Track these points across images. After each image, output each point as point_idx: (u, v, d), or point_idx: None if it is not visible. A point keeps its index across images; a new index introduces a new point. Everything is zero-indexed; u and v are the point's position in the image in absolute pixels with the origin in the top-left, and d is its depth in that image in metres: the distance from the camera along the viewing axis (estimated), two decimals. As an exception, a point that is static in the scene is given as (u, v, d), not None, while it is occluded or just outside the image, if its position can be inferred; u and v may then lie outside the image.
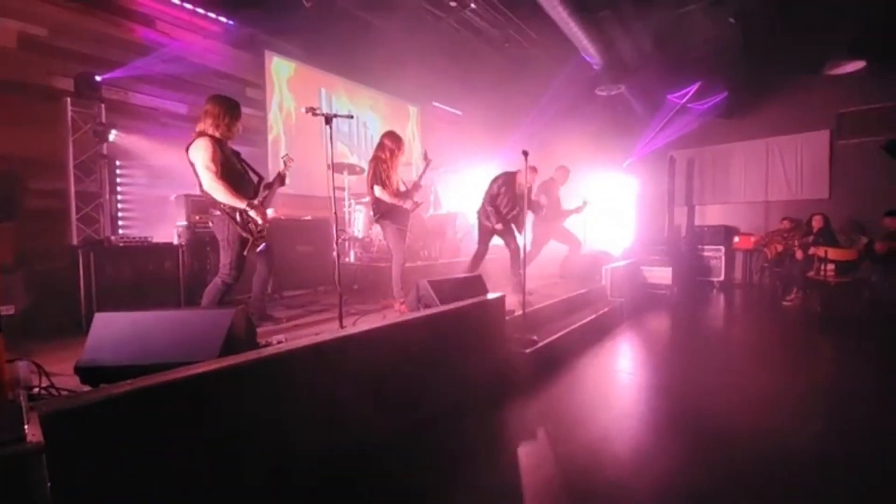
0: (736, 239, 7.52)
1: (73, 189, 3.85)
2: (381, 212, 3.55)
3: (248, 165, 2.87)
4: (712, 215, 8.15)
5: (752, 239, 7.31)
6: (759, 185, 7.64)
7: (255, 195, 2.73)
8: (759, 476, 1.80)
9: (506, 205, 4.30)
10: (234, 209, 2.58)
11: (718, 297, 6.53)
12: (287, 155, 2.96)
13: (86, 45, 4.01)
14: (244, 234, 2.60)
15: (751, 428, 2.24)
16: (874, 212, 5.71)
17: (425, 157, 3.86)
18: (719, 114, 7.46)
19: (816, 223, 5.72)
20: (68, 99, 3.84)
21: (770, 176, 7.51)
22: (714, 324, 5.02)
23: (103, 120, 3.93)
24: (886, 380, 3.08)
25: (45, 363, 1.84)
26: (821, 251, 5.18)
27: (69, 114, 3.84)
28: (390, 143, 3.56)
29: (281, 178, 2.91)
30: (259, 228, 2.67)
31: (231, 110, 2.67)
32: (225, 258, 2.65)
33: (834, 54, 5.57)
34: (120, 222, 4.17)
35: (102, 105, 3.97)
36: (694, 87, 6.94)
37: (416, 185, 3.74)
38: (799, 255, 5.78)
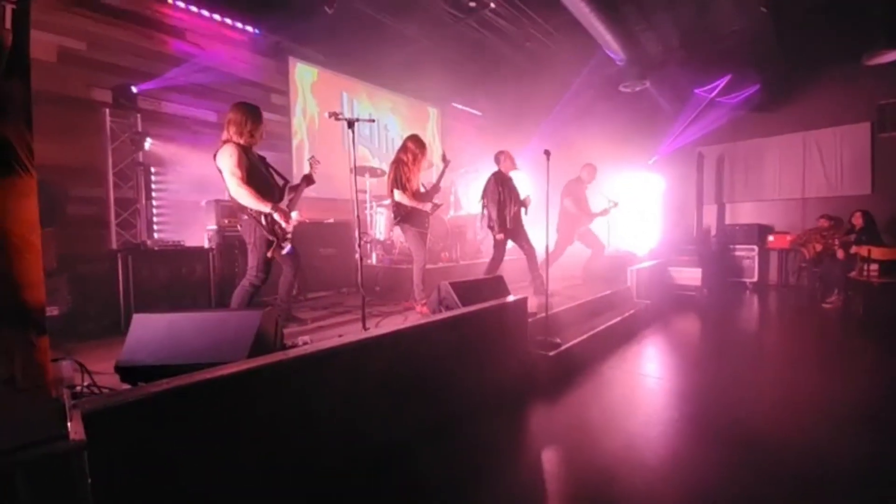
0: (770, 238, 7.20)
1: (112, 195, 4.05)
2: (402, 215, 3.58)
3: (274, 170, 2.94)
4: (744, 213, 7.84)
5: (788, 238, 6.99)
6: (795, 181, 7.29)
7: (280, 199, 2.80)
8: (793, 488, 1.71)
9: (499, 206, 4.06)
10: (259, 213, 2.64)
11: (752, 299, 6.27)
12: (313, 157, 3.03)
13: (122, 57, 4.22)
14: (270, 237, 2.66)
15: (785, 437, 2.14)
16: (923, 208, 5.36)
17: (444, 159, 3.87)
18: (751, 107, 7.16)
19: (858, 220, 5.41)
20: (107, 110, 4.05)
21: (807, 171, 7.16)
22: (747, 327, 4.82)
23: (139, 129, 4.12)
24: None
25: (86, 362, 1.93)
26: (864, 250, 4.90)
27: (108, 124, 4.05)
28: (413, 147, 3.59)
29: (308, 179, 2.99)
30: (284, 231, 2.73)
31: (253, 116, 2.73)
32: (252, 260, 2.72)
33: (874, 43, 5.25)
34: (155, 227, 4.36)
35: (139, 115, 4.16)
36: (724, 81, 6.68)
37: (436, 188, 3.76)
38: (840, 254, 5.48)
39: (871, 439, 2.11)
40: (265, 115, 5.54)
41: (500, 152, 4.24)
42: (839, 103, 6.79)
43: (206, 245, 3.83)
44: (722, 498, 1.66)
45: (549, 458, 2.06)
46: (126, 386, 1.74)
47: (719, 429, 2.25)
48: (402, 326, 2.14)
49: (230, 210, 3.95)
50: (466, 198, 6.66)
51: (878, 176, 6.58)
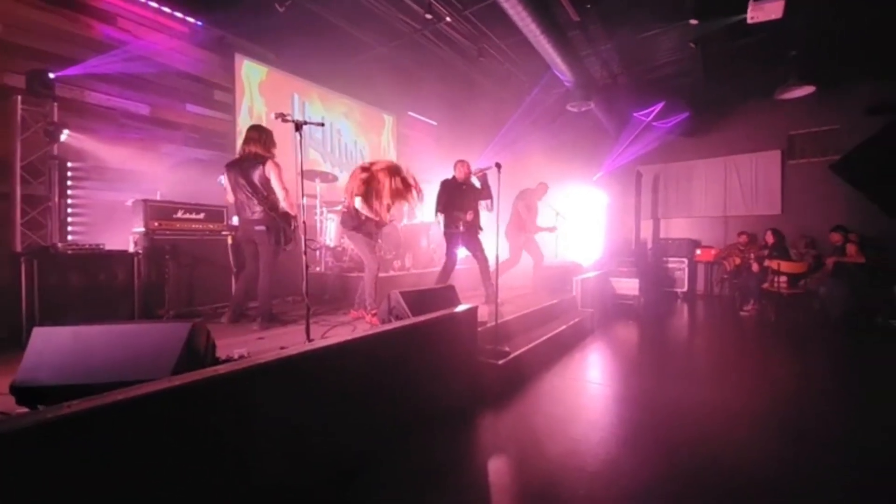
0: (698, 251, 7.86)
1: (18, 191, 3.59)
2: (353, 224, 3.48)
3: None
4: (676, 228, 8.51)
5: (713, 252, 7.67)
6: (718, 200, 8.05)
7: None
8: (720, 484, 1.85)
9: (454, 207, 4.11)
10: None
11: (682, 308, 6.78)
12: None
13: (40, 40, 3.80)
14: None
15: (712, 436, 2.31)
16: (822, 227, 6.11)
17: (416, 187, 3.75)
18: (682, 132, 7.85)
19: (769, 238, 6.06)
20: (18, 97, 3.61)
21: (728, 192, 7.94)
22: (678, 333, 5.20)
23: (55, 119, 3.70)
24: (834, 384, 3.26)
25: (-26, 382, 1.67)
26: (774, 264, 5.48)
27: (18, 112, 3.60)
28: (388, 167, 3.47)
29: None
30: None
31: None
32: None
33: (785, 80, 5.98)
34: (70, 228, 3.91)
35: (55, 103, 3.74)
36: (658, 107, 7.27)
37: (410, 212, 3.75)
38: (755, 267, 6.09)
39: (786, 434, 2.33)
40: (206, 111, 5.24)
41: (458, 161, 4.29)
42: (755, 132, 7.63)
43: (132, 249, 3.49)
44: (656, 498, 1.75)
45: (498, 467, 2.06)
46: (23, 409, 1.54)
47: (653, 431, 2.38)
48: (349, 337, 2.06)
49: (161, 211, 3.65)
50: (420, 206, 6.65)
51: (786, 198, 7.43)
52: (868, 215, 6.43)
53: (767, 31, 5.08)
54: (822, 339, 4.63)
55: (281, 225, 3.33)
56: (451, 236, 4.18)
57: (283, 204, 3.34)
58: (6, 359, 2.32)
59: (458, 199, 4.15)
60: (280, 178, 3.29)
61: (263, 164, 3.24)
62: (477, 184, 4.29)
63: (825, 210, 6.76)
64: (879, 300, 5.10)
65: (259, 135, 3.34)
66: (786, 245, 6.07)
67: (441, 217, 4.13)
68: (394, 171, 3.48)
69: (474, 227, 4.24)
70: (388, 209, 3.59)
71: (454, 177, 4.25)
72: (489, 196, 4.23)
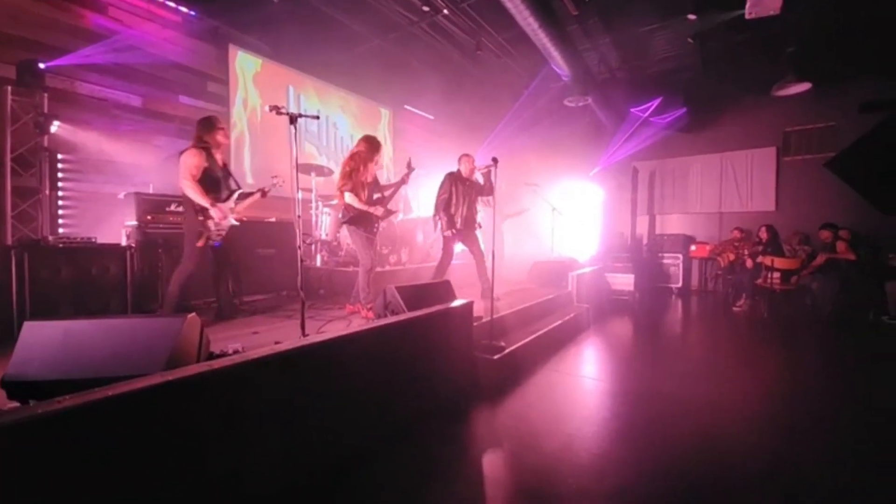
0: (693, 247, 7.90)
1: (8, 183, 3.54)
2: (350, 216, 3.47)
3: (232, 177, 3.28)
4: (672, 224, 8.54)
5: (707, 248, 7.71)
6: (713, 196, 8.08)
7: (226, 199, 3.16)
8: (712, 480, 1.87)
9: (456, 205, 4.09)
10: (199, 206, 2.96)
11: (676, 303, 6.82)
12: (277, 177, 3.48)
13: (30, 30, 3.74)
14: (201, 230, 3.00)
15: (705, 431, 2.33)
16: (816, 223, 6.15)
17: (408, 166, 3.78)
18: (679, 128, 7.85)
19: (763, 234, 6.10)
20: (9, 87, 3.55)
21: (724, 188, 7.97)
22: (672, 329, 5.23)
23: (45, 110, 3.65)
24: (825, 381, 3.30)
25: (-37, 377, 1.65)
26: (768, 260, 5.52)
27: (9, 102, 3.55)
28: (366, 149, 3.48)
29: (262, 192, 3.40)
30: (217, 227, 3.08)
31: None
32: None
33: (781, 77, 5.99)
34: (61, 221, 3.86)
35: (45, 94, 3.68)
36: (656, 103, 7.26)
37: (392, 194, 3.71)
38: (749, 263, 6.13)
39: (776, 428, 2.36)
40: (200, 103, 5.18)
41: (463, 154, 4.25)
42: (752, 128, 7.64)
43: (124, 242, 3.46)
44: (648, 492, 1.77)
45: (493, 461, 2.07)
46: (14, 404, 1.52)
47: (646, 427, 2.40)
48: (344, 332, 2.05)
49: (154, 204, 3.61)
50: (416, 201, 6.64)
51: (781, 194, 7.47)
52: (862, 212, 6.48)
53: (765, 28, 5.07)
54: (813, 336, 4.68)
55: (192, 217, 2.98)
56: (447, 238, 4.15)
57: (188, 194, 2.92)
58: (-4, 353, 2.29)
59: (460, 195, 4.12)
60: (182, 166, 2.90)
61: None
62: (480, 179, 4.26)
63: (819, 207, 6.80)
64: (870, 297, 5.15)
65: (197, 126, 3.13)
66: (779, 241, 6.11)
67: (442, 218, 4.06)
68: (358, 151, 3.51)
69: (472, 224, 4.22)
70: (384, 201, 3.58)
71: (458, 171, 4.20)
72: (491, 192, 4.18)
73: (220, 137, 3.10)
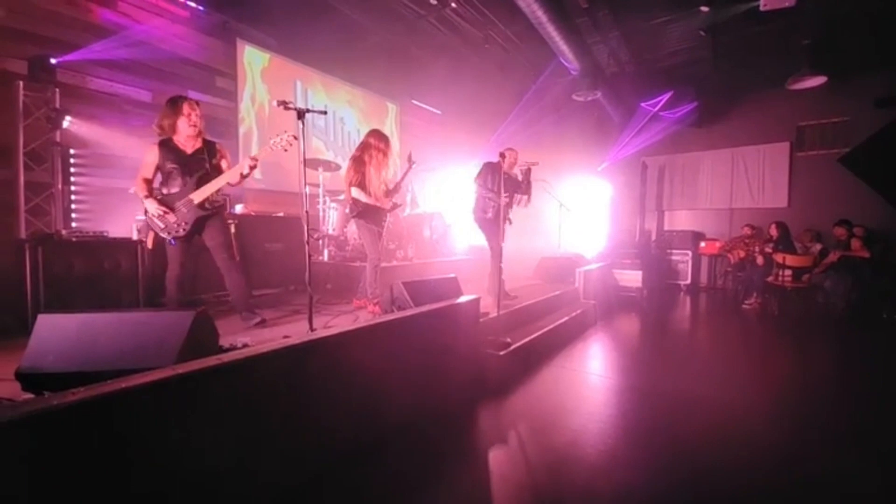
0: (702, 244, 7.81)
1: (21, 178, 3.60)
2: (358, 211, 3.47)
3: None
4: (681, 220, 8.45)
5: (717, 244, 7.62)
6: (724, 192, 7.97)
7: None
8: (721, 478, 1.86)
9: (491, 193, 4.00)
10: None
11: (685, 300, 6.76)
12: (254, 157, 2.84)
13: (41, 25, 3.77)
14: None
15: (714, 431, 2.32)
16: (829, 220, 6.05)
17: (409, 159, 3.78)
18: (689, 123, 7.73)
19: (775, 230, 6.01)
20: (21, 82, 3.59)
21: (734, 184, 7.85)
22: (680, 326, 5.19)
23: (57, 105, 3.69)
24: (840, 381, 3.26)
25: (-19, 368, 1.69)
26: (779, 257, 5.44)
27: (21, 98, 3.59)
28: (375, 143, 3.45)
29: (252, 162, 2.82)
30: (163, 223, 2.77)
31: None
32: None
33: (796, 70, 5.86)
34: (73, 215, 3.92)
35: (57, 89, 3.72)
36: (666, 97, 7.15)
37: (397, 187, 3.68)
38: (759, 260, 6.05)
39: (788, 428, 2.34)
40: (208, 98, 5.20)
41: (508, 148, 4.11)
42: (764, 123, 7.51)
43: (135, 237, 3.50)
44: (654, 490, 1.76)
45: (499, 458, 2.07)
46: (28, 395, 1.55)
47: (653, 424, 2.39)
48: (352, 327, 2.07)
49: (163, 198, 3.64)
50: (423, 196, 6.63)
51: (794, 190, 7.34)
52: (876, 209, 6.35)
53: (780, 20, 4.96)
54: (826, 334, 4.62)
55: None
56: (484, 221, 4.09)
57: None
58: (11, 345, 2.33)
59: (500, 187, 4.04)
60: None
61: None
62: (519, 176, 4.19)
63: (832, 203, 6.68)
64: (884, 295, 5.07)
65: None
66: (791, 239, 6.02)
67: (486, 196, 3.96)
68: (367, 145, 3.44)
69: (506, 218, 4.14)
70: (391, 194, 3.57)
71: (499, 163, 4.03)
72: (528, 191, 4.14)
73: (177, 124, 2.75)
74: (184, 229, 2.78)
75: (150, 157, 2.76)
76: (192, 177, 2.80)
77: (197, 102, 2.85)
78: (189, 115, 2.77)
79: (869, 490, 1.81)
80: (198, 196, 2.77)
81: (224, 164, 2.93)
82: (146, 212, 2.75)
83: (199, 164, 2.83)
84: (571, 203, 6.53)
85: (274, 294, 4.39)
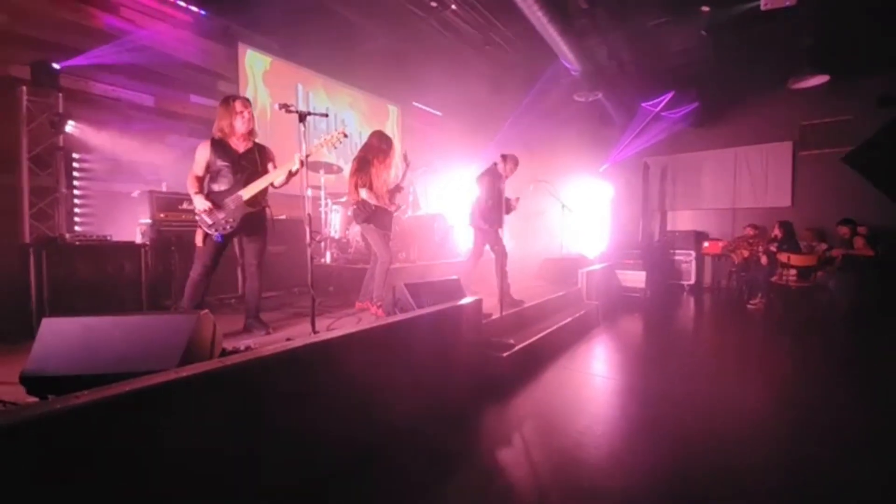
0: (705, 244, 7.78)
1: (26, 183, 3.61)
2: (366, 215, 3.42)
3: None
4: (683, 221, 8.41)
5: (721, 244, 7.58)
6: (727, 192, 7.93)
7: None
8: (728, 479, 1.84)
9: (495, 202, 4.01)
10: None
11: (689, 301, 6.73)
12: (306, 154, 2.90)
13: (44, 30, 3.79)
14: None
15: (719, 434, 2.30)
16: (833, 219, 6.01)
17: (405, 159, 3.79)
18: (691, 123, 7.71)
19: (779, 230, 5.98)
20: (24, 88, 3.61)
21: (737, 184, 7.82)
22: (684, 326, 5.17)
23: (60, 110, 3.71)
24: (847, 381, 3.23)
25: (-14, 372, 1.69)
26: (784, 257, 5.41)
27: (24, 103, 3.61)
28: (378, 144, 3.45)
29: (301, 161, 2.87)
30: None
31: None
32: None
33: (798, 69, 5.84)
34: (77, 219, 3.93)
35: (60, 94, 3.74)
36: (667, 97, 7.14)
37: (398, 188, 3.68)
38: (764, 260, 6.02)
39: (792, 429, 2.31)
40: (211, 102, 5.22)
41: (510, 155, 4.12)
42: (766, 123, 7.48)
43: (139, 241, 3.51)
44: (660, 492, 1.75)
45: (502, 459, 2.06)
46: (33, 399, 1.55)
47: (658, 426, 2.38)
48: (355, 329, 2.06)
49: (167, 202, 3.66)
50: (425, 198, 6.62)
51: (798, 190, 7.31)
52: (879, 208, 6.31)
53: (781, 19, 4.94)
54: (831, 334, 4.59)
55: None
56: (480, 231, 4.10)
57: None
58: (16, 349, 2.35)
59: (498, 197, 4.01)
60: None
61: None
62: (512, 202, 4.20)
63: (836, 202, 6.64)
64: (889, 294, 5.03)
65: None
66: (795, 238, 5.98)
67: (485, 214, 4.00)
68: (370, 146, 3.44)
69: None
70: (393, 195, 3.57)
71: (496, 168, 4.07)
72: (509, 212, 4.15)
73: (234, 124, 2.80)
74: (231, 226, 2.79)
75: (202, 154, 2.78)
76: (241, 175, 2.83)
77: (248, 100, 2.90)
78: (242, 112, 2.81)
79: (879, 497, 1.79)
80: (247, 192, 2.80)
81: (271, 167, 2.98)
82: (194, 209, 2.77)
83: (250, 164, 2.88)
84: (574, 204, 6.52)
85: (276, 296, 4.40)
